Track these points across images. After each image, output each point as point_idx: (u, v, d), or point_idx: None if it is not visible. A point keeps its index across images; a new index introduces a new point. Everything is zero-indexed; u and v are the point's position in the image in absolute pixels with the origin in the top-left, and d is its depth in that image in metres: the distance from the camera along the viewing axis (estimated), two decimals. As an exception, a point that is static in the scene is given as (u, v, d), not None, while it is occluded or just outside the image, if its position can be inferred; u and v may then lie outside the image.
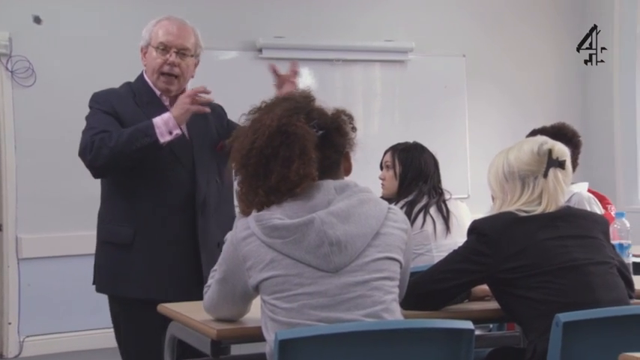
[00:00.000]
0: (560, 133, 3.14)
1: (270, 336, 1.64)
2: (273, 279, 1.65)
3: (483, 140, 5.40)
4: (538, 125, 3.37)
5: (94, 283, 2.57)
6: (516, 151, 2.07)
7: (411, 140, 3.18)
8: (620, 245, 2.36)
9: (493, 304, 2.08)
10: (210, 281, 1.85)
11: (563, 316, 1.72)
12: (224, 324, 1.84)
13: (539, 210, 2.01)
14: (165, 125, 2.41)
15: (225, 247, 1.75)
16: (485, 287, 2.09)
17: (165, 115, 2.44)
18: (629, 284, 2.07)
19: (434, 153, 3.15)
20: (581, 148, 3.30)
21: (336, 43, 5.21)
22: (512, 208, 2.03)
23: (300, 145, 1.68)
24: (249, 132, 1.73)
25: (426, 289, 2.00)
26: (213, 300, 1.82)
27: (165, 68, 2.55)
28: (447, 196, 3.08)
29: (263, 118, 1.73)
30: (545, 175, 2.02)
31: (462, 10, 5.49)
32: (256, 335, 1.75)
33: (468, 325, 1.66)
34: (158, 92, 2.59)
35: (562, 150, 2.06)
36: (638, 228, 4.66)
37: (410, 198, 2.99)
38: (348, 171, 1.82)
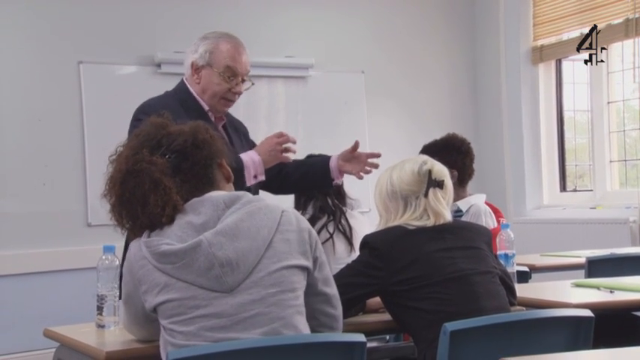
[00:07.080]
0: (449, 143, 3.26)
1: None
2: (168, 303, 1.63)
3: (383, 154, 5.50)
4: (435, 138, 3.47)
5: None
6: (398, 170, 2.15)
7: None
8: (506, 255, 2.47)
9: (387, 316, 2.12)
10: None
11: (450, 325, 1.78)
12: (113, 345, 1.81)
13: (429, 223, 2.09)
14: (254, 169, 2.30)
15: (123, 269, 1.73)
16: (379, 299, 2.14)
17: (256, 158, 2.32)
18: (512, 292, 2.17)
19: None
20: (475, 154, 3.39)
21: (237, 58, 5.20)
22: (397, 224, 2.09)
23: (149, 179, 1.67)
24: (108, 183, 1.73)
25: (321, 303, 2.02)
26: (125, 320, 1.81)
27: (229, 96, 2.46)
28: (351, 207, 3.10)
29: (115, 165, 1.73)
30: (426, 195, 2.10)
31: (360, 28, 5.61)
32: (147, 355, 1.73)
33: (360, 337, 1.68)
34: (206, 108, 2.47)
35: (441, 170, 2.15)
36: (526, 238, 4.91)
37: (307, 217, 3.00)
38: (228, 179, 1.81)
